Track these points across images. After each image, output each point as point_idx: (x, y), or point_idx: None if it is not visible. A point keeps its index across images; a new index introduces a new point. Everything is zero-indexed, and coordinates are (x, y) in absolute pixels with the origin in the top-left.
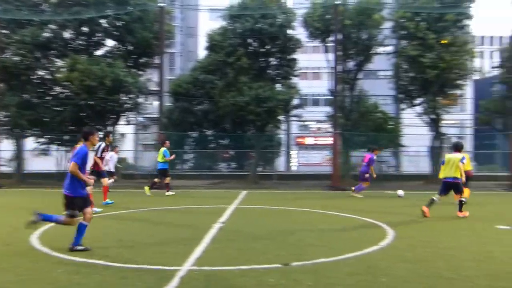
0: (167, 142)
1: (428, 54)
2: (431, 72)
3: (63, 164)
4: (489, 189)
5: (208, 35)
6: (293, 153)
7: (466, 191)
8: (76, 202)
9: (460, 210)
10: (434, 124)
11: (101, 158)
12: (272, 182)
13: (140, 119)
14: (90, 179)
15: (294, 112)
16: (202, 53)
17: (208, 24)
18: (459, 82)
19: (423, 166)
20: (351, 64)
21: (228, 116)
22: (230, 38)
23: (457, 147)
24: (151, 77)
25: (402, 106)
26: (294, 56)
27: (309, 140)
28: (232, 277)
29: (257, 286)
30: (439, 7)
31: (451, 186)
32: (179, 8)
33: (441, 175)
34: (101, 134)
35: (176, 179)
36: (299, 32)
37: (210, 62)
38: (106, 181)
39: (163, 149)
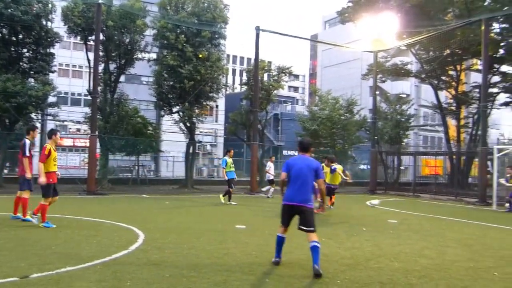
0: None
1: (186, 66)
2: (188, 83)
3: None
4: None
5: None
6: None
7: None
8: None
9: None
10: (190, 131)
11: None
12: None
13: None
14: None
15: (50, 110)
16: None
17: None
18: (212, 94)
19: (179, 170)
20: (112, 66)
21: None
22: None
23: (332, 160)
24: None
25: (162, 112)
26: (52, 50)
27: (67, 142)
28: None
29: None
30: (197, 24)
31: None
32: None
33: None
34: None
35: None
36: (59, 25)
37: None
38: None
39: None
